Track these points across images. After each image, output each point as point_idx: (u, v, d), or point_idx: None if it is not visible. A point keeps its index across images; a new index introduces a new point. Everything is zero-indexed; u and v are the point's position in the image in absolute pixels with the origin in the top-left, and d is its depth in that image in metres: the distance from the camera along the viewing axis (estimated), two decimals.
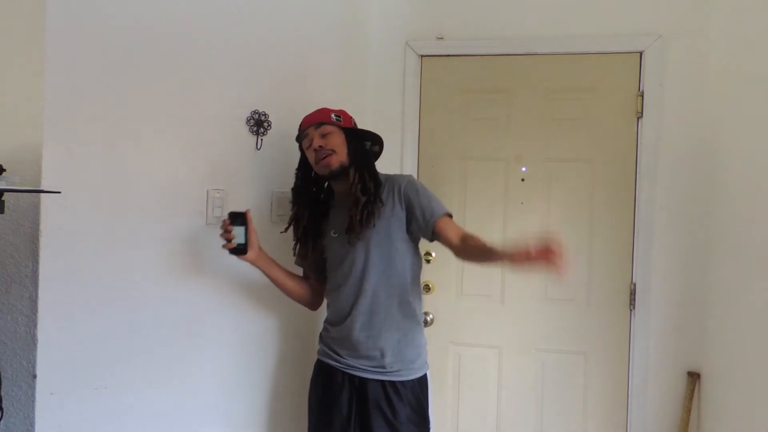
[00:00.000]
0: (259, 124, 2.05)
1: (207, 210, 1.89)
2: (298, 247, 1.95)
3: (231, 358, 2.00)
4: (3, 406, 1.40)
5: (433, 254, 2.70)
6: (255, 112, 2.04)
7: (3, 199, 1.32)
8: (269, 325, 2.12)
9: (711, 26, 2.43)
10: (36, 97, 1.47)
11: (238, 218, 1.77)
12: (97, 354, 1.61)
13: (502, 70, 2.64)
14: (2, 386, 1.42)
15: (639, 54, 2.52)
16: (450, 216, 1.84)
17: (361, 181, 1.81)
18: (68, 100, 1.52)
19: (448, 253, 2.69)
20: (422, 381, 1.87)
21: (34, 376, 1.48)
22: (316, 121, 1.85)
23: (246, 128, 2.02)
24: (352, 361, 1.85)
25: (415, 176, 2.71)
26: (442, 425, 2.70)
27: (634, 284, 2.52)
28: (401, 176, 1.90)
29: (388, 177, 1.90)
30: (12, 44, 1.54)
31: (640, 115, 2.52)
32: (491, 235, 2.64)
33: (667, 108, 2.49)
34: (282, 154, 2.10)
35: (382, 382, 1.82)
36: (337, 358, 1.88)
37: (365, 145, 1.92)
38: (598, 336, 2.57)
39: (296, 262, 2.01)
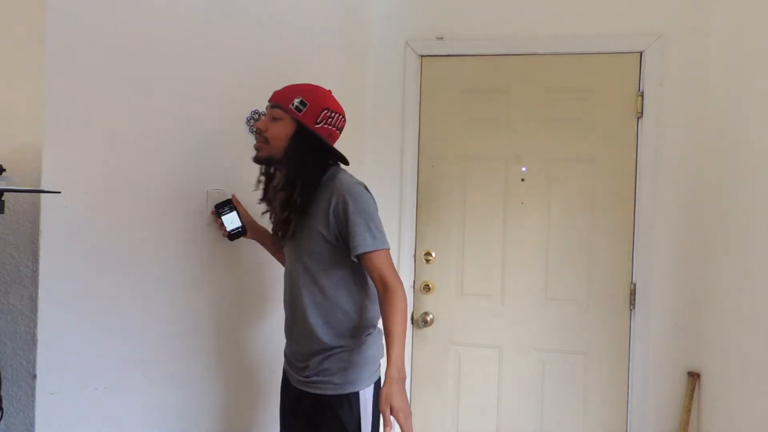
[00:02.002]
0: None
1: (207, 210, 1.89)
2: None
3: (231, 356, 2.00)
4: (3, 406, 1.40)
5: (433, 254, 2.70)
6: (255, 112, 2.04)
7: (3, 199, 1.33)
8: (270, 321, 2.12)
9: (711, 26, 2.43)
10: (36, 97, 1.47)
11: (227, 205, 1.84)
12: (97, 354, 1.61)
13: (502, 70, 2.64)
14: (2, 386, 1.42)
15: (639, 54, 2.52)
16: (377, 251, 1.57)
17: (288, 189, 1.60)
18: (68, 100, 1.52)
19: (448, 253, 2.71)
20: (350, 400, 1.63)
21: (34, 376, 1.47)
22: (274, 101, 1.65)
23: (246, 128, 2.02)
24: (290, 370, 1.75)
25: (415, 176, 2.71)
26: (442, 425, 2.71)
27: (634, 284, 2.52)
28: (340, 189, 1.60)
29: (330, 182, 1.64)
30: (12, 44, 1.54)
31: (640, 115, 2.52)
32: (491, 235, 2.64)
33: (667, 108, 2.49)
34: None
35: (307, 393, 1.67)
36: (285, 366, 1.79)
37: (312, 151, 1.64)
38: (598, 336, 2.57)
39: None
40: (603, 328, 2.56)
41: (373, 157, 2.75)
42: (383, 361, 1.69)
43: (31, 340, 1.47)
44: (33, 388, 1.48)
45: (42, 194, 1.44)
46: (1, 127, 1.51)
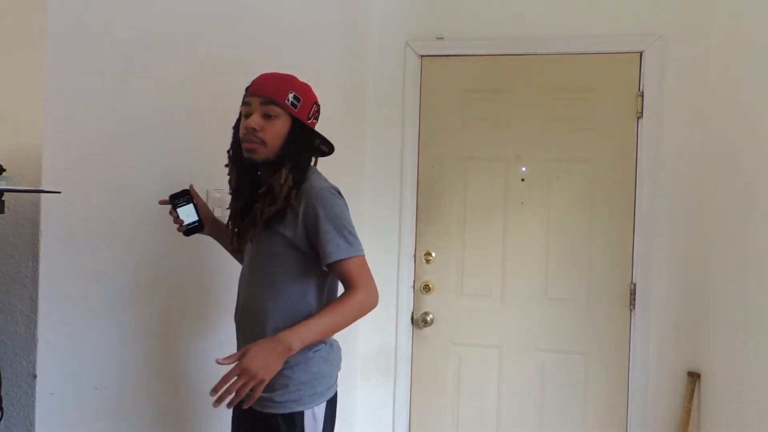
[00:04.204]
0: None
1: None
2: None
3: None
4: (3, 406, 1.40)
5: (433, 254, 2.70)
6: None
7: (3, 199, 1.32)
8: None
9: (711, 26, 2.43)
10: (36, 97, 1.47)
11: (183, 197, 1.66)
12: (97, 354, 1.61)
13: (502, 70, 2.64)
14: (2, 386, 1.42)
15: (639, 54, 2.52)
16: (351, 258, 1.45)
17: (292, 186, 1.50)
18: (68, 100, 1.51)
19: (448, 253, 2.71)
20: (293, 420, 1.51)
21: (34, 376, 1.47)
22: (267, 96, 1.50)
23: None
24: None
25: (415, 176, 2.71)
26: (442, 425, 2.70)
27: (634, 284, 2.52)
28: (310, 194, 1.49)
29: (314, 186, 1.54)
30: (12, 44, 1.54)
31: (640, 115, 2.52)
32: (491, 235, 2.64)
33: (667, 108, 2.49)
34: None
35: (250, 407, 1.52)
36: None
37: (310, 145, 1.57)
38: (598, 336, 2.57)
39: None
40: (603, 328, 2.56)
41: (373, 157, 2.75)
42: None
43: (31, 340, 1.47)
44: (33, 388, 1.47)
45: (42, 194, 1.44)
46: (1, 127, 1.51)
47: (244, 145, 1.52)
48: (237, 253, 1.74)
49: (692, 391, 2.41)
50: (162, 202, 1.64)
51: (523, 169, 2.62)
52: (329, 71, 2.38)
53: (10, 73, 1.53)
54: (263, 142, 1.50)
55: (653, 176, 2.50)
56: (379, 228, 2.73)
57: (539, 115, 2.60)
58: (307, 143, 1.56)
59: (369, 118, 2.75)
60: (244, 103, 1.54)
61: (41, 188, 1.43)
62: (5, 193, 1.33)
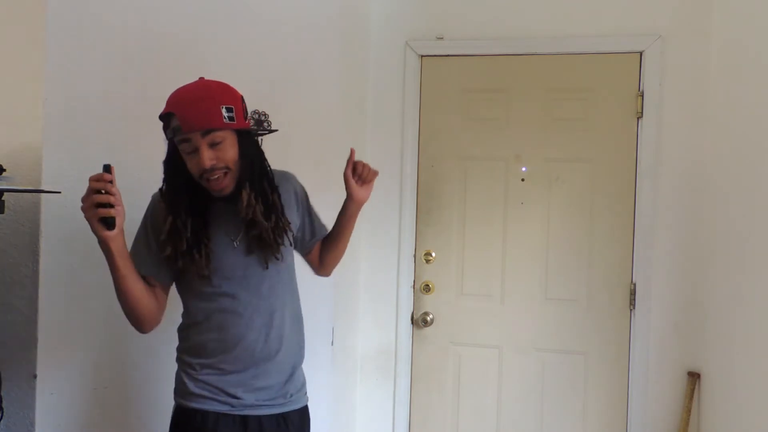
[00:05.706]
0: (259, 124, 2.04)
1: None
2: (178, 259, 1.43)
3: None
4: (3, 406, 1.40)
5: (434, 254, 2.70)
6: (255, 112, 2.03)
7: (3, 199, 1.32)
8: None
9: (711, 26, 2.43)
10: (36, 97, 1.47)
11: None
12: (97, 354, 1.61)
13: (502, 70, 2.64)
14: (2, 386, 1.42)
15: (639, 54, 2.52)
16: None
17: (264, 199, 1.42)
18: (68, 100, 1.52)
19: (448, 253, 2.72)
20: (306, 412, 1.57)
21: (34, 376, 1.47)
22: (205, 127, 1.33)
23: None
24: (248, 398, 1.45)
25: (415, 176, 2.71)
26: (442, 425, 2.71)
27: (634, 284, 2.52)
28: (291, 177, 1.58)
29: (275, 173, 1.52)
30: (12, 44, 1.54)
31: (640, 115, 2.52)
32: (491, 235, 2.64)
33: (667, 108, 2.49)
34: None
35: (277, 416, 1.47)
36: (230, 400, 1.45)
37: (257, 144, 1.49)
38: (598, 336, 2.56)
39: (146, 271, 1.45)
40: (603, 328, 2.56)
41: (373, 157, 2.75)
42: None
43: (31, 340, 1.47)
44: (33, 388, 1.47)
45: (42, 194, 1.44)
46: (1, 127, 1.51)
47: (212, 185, 1.39)
48: (152, 272, 1.48)
49: (692, 391, 2.41)
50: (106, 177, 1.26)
51: (523, 169, 2.62)
52: (329, 71, 2.38)
53: (10, 73, 1.53)
54: (228, 168, 1.38)
55: (653, 176, 2.50)
56: (379, 228, 2.73)
57: (539, 115, 2.60)
58: (255, 146, 1.48)
59: (369, 118, 2.75)
60: (183, 141, 1.36)
61: (41, 188, 1.43)
62: (5, 193, 1.33)
